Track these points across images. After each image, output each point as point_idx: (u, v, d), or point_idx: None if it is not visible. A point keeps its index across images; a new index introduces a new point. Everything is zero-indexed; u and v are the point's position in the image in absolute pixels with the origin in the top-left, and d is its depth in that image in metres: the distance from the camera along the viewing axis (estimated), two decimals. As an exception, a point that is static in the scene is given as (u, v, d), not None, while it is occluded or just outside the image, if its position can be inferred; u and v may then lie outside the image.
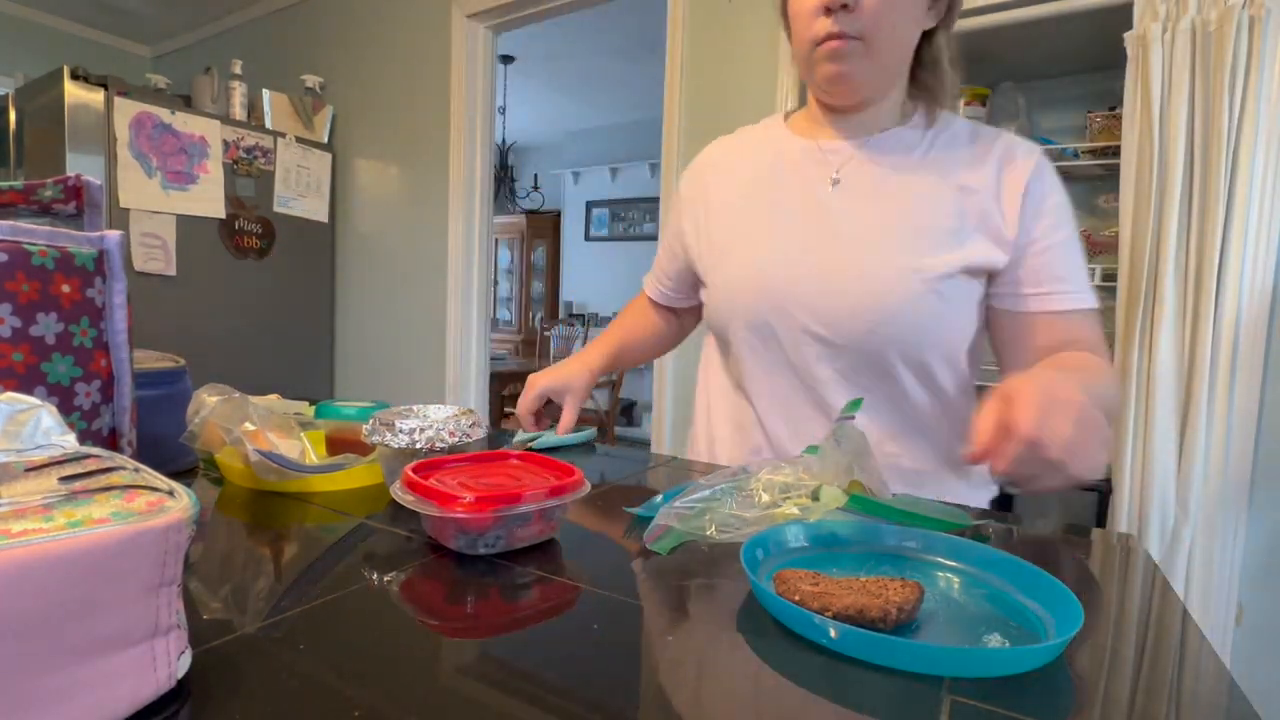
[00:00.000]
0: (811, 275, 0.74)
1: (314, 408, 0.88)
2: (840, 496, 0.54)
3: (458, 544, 0.46)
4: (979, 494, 0.79)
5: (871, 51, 0.69)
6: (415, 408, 0.62)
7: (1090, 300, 0.73)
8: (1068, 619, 0.36)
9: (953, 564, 0.46)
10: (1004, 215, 0.71)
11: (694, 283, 0.90)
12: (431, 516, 0.46)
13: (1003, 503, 0.82)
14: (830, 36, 0.68)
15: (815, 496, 0.55)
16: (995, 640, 0.36)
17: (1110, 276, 1.62)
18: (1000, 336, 0.76)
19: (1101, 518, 1.49)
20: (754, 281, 0.77)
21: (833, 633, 0.35)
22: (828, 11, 0.67)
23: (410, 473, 0.48)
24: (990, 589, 0.43)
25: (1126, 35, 1.39)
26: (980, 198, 0.72)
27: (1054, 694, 0.32)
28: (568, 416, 0.84)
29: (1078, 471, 0.49)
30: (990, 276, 0.73)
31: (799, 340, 0.75)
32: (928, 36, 0.74)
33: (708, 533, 0.50)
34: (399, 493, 0.47)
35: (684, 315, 1.02)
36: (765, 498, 0.54)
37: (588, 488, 0.51)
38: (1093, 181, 1.88)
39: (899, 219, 0.73)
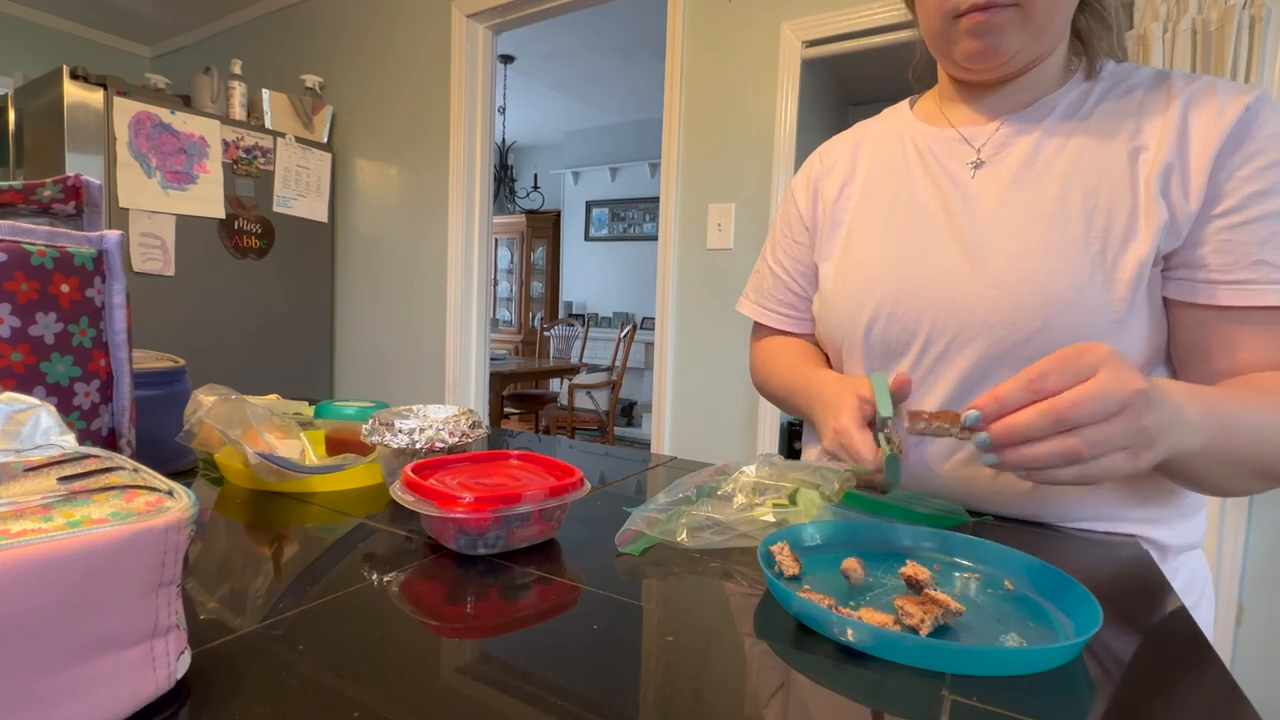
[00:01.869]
0: (948, 274, 0.62)
1: (314, 408, 0.88)
2: (817, 500, 0.54)
3: (458, 544, 0.46)
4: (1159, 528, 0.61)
5: (1028, 14, 0.56)
6: (415, 408, 0.62)
7: None
8: (1087, 620, 0.36)
9: (968, 564, 0.46)
10: (1190, 177, 0.55)
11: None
12: (431, 517, 0.46)
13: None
14: (976, 8, 0.57)
15: (792, 500, 0.55)
16: (1013, 640, 0.36)
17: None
18: (1179, 340, 0.58)
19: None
20: (873, 285, 0.66)
21: (850, 634, 0.35)
22: None
23: (410, 473, 0.48)
24: (1005, 589, 0.43)
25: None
26: (1158, 156, 0.56)
27: (1053, 694, 0.32)
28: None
29: (1090, 475, 0.42)
30: (1169, 257, 0.57)
31: (934, 349, 0.63)
32: None
33: (679, 538, 0.50)
34: (399, 493, 0.47)
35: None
36: (741, 500, 0.54)
37: (588, 488, 0.51)
38: (1093, 181, 1.88)
39: (1060, 198, 0.58)
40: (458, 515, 0.44)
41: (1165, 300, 0.58)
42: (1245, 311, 0.54)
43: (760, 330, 0.87)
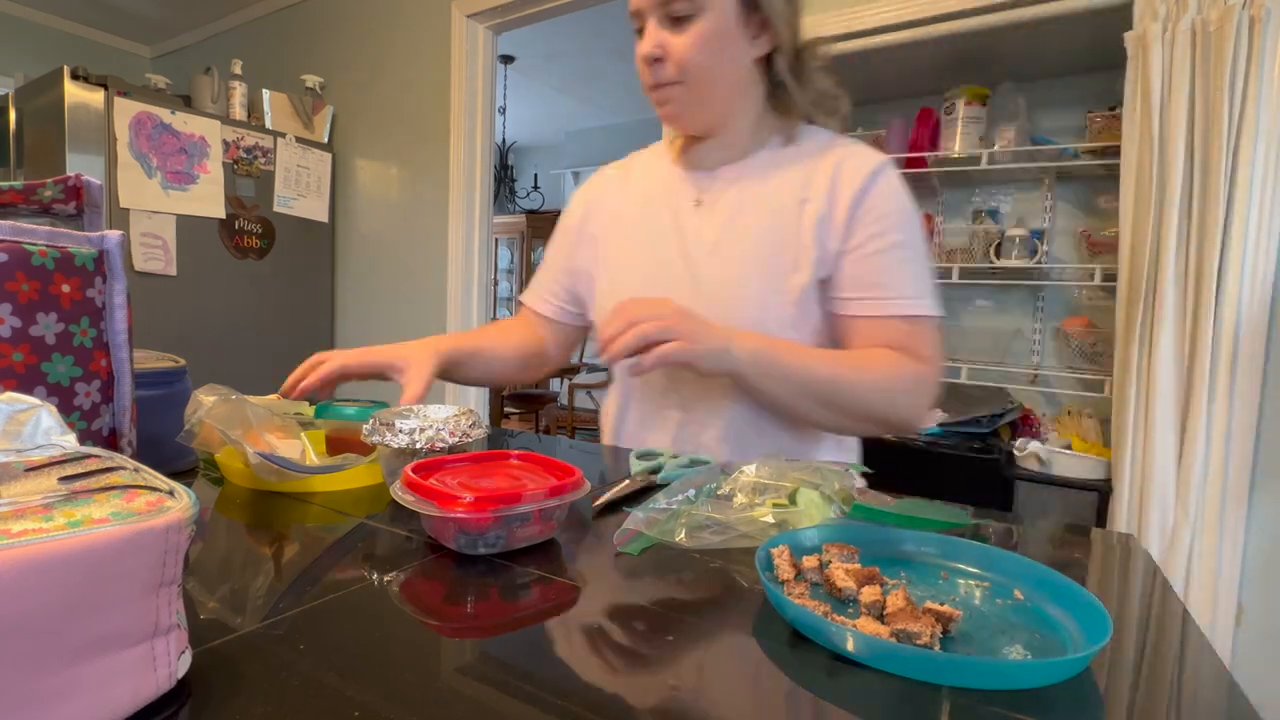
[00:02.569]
0: (670, 292, 0.78)
1: (314, 408, 0.88)
2: (817, 500, 0.54)
3: (458, 544, 0.46)
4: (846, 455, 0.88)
5: (691, 91, 0.76)
6: (416, 408, 0.62)
7: (920, 308, 0.76)
8: (1095, 630, 0.35)
9: (974, 570, 0.45)
10: (833, 222, 0.76)
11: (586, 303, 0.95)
12: (432, 517, 0.46)
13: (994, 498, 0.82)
14: (653, 86, 0.77)
15: (792, 499, 0.55)
16: (1017, 652, 0.35)
17: (1110, 277, 1.62)
18: (836, 339, 0.80)
19: (1101, 518, 1.49)
20: (625, 289, 0.85)
21: (850, 644, 0.34)
22: (644, 64, 0.76)
23: (410, 473, 0.48)
24: (1012, 597, 0.42)
25: (1126, 35, 1.39)
26: (815, 207, 0.77)
27: (1053, 694, 0.32)
28: (415, 387, 0.77)
29: (679, 340, 0.64)
30: (825, 282, 0.79)
31: None
32: (770, 60, 0.79)
33: (678, 538, 0.50)
34: (399, 493, 0.47)
35: (555, 344, 1.00)
36: (741, 499, 0.54)
37: (588, 487, 0.51)
38: (1093, 181, 1.88)
39: (754, 237, 0.79)
40: (458, 515, 0.44)
41: (827, 312, 0.79)
42: (863, 319, 0.77)
43: (522, 313, 1.02)
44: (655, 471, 0.65)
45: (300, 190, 2.77)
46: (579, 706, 0.30)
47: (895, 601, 0.37)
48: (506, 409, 4.92)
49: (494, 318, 5.99)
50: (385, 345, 0.83)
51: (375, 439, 0.57)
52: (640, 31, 0.76)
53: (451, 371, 0.87)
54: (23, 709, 0.23)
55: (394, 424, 0.57)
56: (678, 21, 0.73)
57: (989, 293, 2.05)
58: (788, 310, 0.77)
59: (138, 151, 2.27)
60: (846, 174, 0.77)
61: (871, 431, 0.78)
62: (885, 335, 0.76)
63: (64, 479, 0.29)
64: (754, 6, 0.74)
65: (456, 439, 0.58)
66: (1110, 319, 1.70)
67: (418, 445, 0.56)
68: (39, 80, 2.24)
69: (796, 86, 0.80)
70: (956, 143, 1.84)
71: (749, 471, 0.57)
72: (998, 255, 1.82)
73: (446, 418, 0.60)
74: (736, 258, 0.79)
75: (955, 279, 1.86)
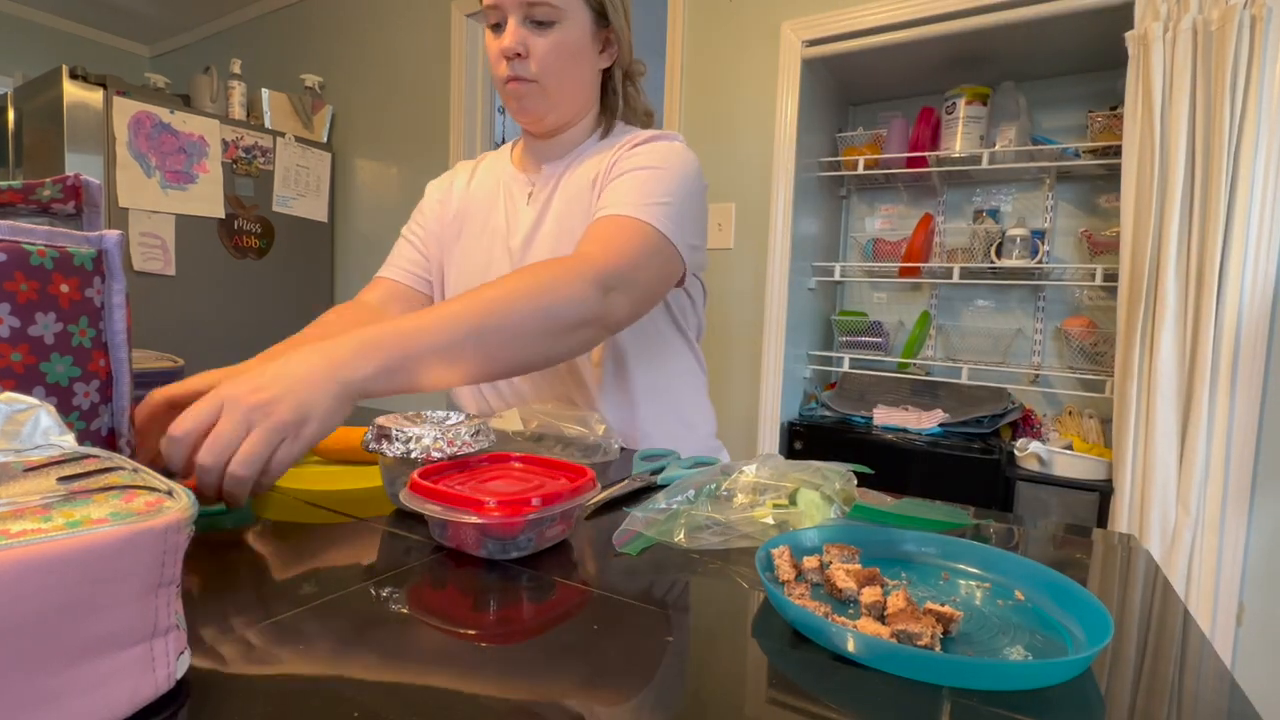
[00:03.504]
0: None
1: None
2: (817, 500, 0.54)
3: (487, 550, 0.45)
4: (701, 439, 0.96)
5: (546, 91, 0.83)
6: (424, 414, 0.61)
7: (624, 211, 0.76)
8: (1096, 630, 0.34)
9: (975, 570, 0.45)
10: (607, 177, 0.83)
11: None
12: (450, 523, 0.45)
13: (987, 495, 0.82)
14: (510, 79, 0.82)
15: (792, 500, 0.55)
16: (1017, 653, 0.35)
17: (1111, 277, 1.62)
18: None
19: (1102, 518, 1.49)
20: (464, 285, 0.91)
21: (850, 644, 0.34)
22: (505, 57, 0.81)
23: (420, 480, 0.47)
24: (1013, 598, 0.42)
25: (1127, 35, 1.39)
26: (600, 176, 0.84)
27: (1054, 694, 0.32)
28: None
29: (271, 471, 0.48)
30: None
31: None
32: (609, 72, 0.89)
33: (677, 538, 0.50)
34: (416, 503, 0.46)
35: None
36: (741, 499, 0.54)
37: (599, 487, 0.51)
38: (1094, 181, 1.88)
39: (559, 222, 0.87)
40: (494, 520, 0.43)
41: None
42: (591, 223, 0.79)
43: (376, 285, 1.00)
44: (657, 472, 0.65)
45: (299, 190, 2.77)
46: (579, 706, 0.30)
47: (896, 602, 0.37)
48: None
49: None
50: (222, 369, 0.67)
51: (373, 448, 0.57)
52: (498, 26, 0.82)
53: None
54: (22, 709, 0.23)
55: (391, 433, 0.56)
56: (539, 25, 0.80)
57: (989, 293, 2.05)
58: None
59: (137, 151, 2.26)
60: (624, 140, 0.86)
61: (564, 348, 0.69)
62: (596, 233, 0.75)
63: (63, 479, 0.29)
64: (604, 23, 0.84)
65: (455, 449, 0.57)
66: (1111, 319, 1.70)
67: (413, 455, 0.55)
68: (38, 80, 2.24)
69: (625, 99, 0.92)
70: (957, 142, 1.84)
71: (749, 472, 0.57)
72: (998, 255, 1.82)
73: (448, 425, 0.58)
74: (550, 246, 0.86)
75: (956, 279, 1.86)
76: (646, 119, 0.95)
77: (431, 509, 0.45)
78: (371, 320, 0.83)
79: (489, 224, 0.93)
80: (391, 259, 1.00)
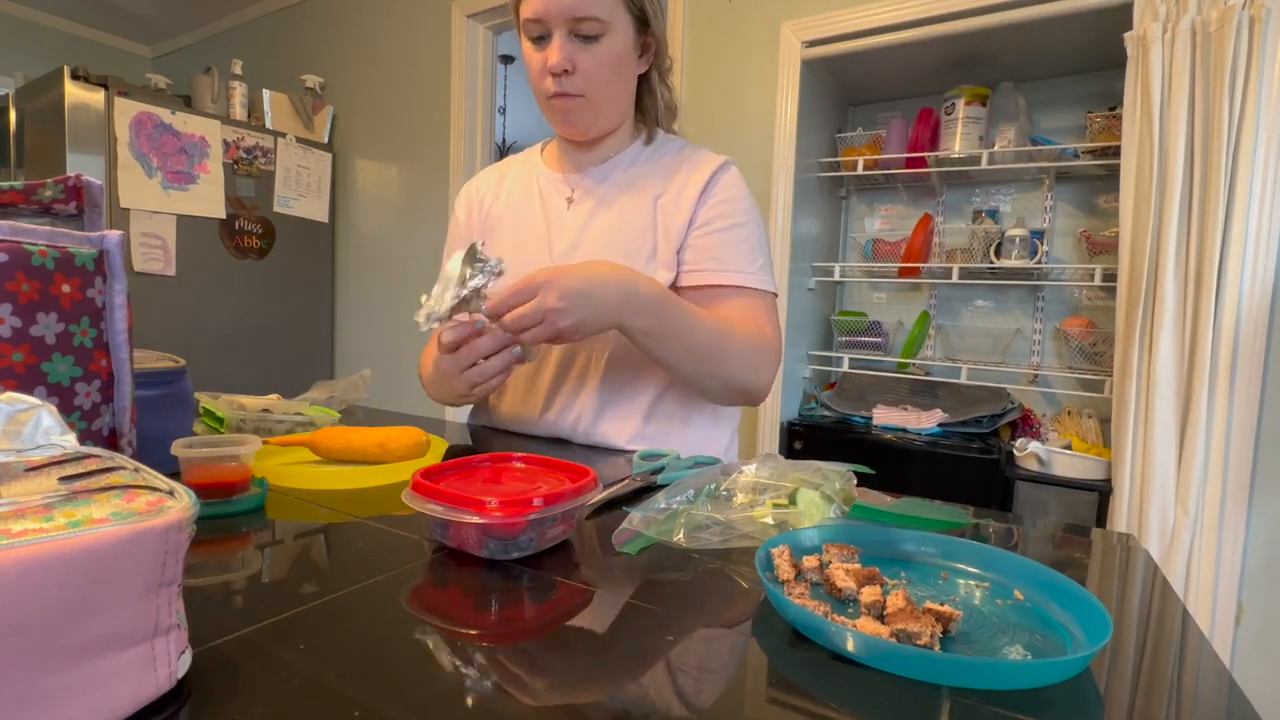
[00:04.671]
0: None
1: (312, 407, 0.88)
2: (817, 500, 0.54)
3: (488, 550, 0.45)
4: (721, 431, 0.95)
5: (593, 104, 0.83)
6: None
7: (750, 281, 0.84)
8: (1095, 630, 0.35)
9: (974, 570, 0.45)
10: (681, 210, 0.85)
11: None
12: (452, 523, 0.45)
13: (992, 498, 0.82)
14: (557, 95, 0.81)
15: (792, 499, 0.55)
16: (1017, 652, 0.35)
17: (1110, 277, 1.62)
18: None
19: (1102, 517, 1.49)
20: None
21: (850, 644, 0.34)
22: (552, 74, 0.80)
23: (422, 479, 0.47)
24: (1012, 597, 0.42)
25: (1126, 35, 1.39)
26: (667, 201, 0.86)
27: (1053, 694, 0.32)
28: None
29: (559, 321, 0.65)
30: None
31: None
32: (644, 75, 0.89)
33: (677, 538, 0.50)
34: (417, 503, 0.46)
35: None
36: (741, 499, 0.54)
37: (601, 487, 0.52)
38: (1093, 181, 1.88)
39: (611, 231, 0.87)
40: (496, 520, 0.43)
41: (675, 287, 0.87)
42: (697, 288, 0.84)
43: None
44: (657, 472, 0.65)
45: (300, 190, 2.77)
46: (579, 706, 0.30)
47: (895, 601, 0.37)
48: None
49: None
50: None
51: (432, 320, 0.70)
52: (541, 40, 0.80)
53: None
54: (23, 709, 0.23)
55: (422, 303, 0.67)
56: (585, 39, 0.79)
57: (989, 293, 2.05)
58: None
59: (138, 151, 2.27)
60: (696, 170, 0.87)
61: (728, 397, 0.84)
62: (723, 303, 0.83)
63: (64, 479, 0.29)
64: (644, 28, 0.83)
65: (483, 280, 0.68)
66: (1110, 319, 1.70)
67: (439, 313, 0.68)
68: (39, 80, 2.24)
69: (659, 97, 0.92)
70: (956, 143, 1.84)
71: (749, 471, 0.57)
72: (998, 255, 1.82)
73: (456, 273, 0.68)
74: (598, 252, 0.86)
75: (955, 279, 1.86)
76: (674, 111, 0.95)
77: (433, 509, 0.45)
78: None
79: (528, 228, 0.92)
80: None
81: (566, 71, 0.79)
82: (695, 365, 0.77)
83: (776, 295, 0.87)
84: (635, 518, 0.51)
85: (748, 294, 0.84)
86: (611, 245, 0.86)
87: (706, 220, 0.85)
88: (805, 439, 1.87)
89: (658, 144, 0.92)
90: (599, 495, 0.49)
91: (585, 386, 0.89)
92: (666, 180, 0.88)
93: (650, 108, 0.92)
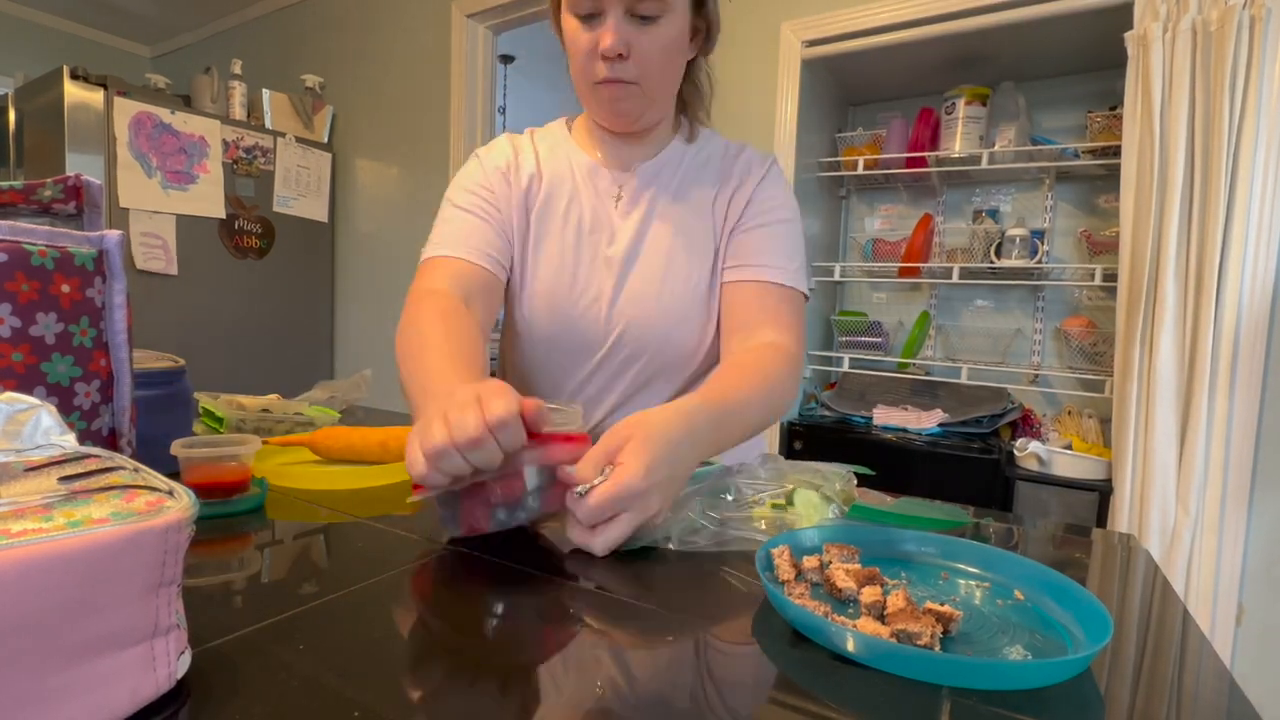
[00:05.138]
0: (598, 296, 0.81)
1: (312, 408, 0.88)
2: (816, 500, 0.54)
3: (496, 520, 0.47)
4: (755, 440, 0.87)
5: (646, 93, 0.76)
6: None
7: (785, 279, 0.80)
8: (1096, 630, 0.34)
9: (974, 570, 0.45)
10: (734, 214, 0.83)
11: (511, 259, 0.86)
12: (464, 499, 0.47)
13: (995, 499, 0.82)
14: (608, 81, 0.73)
15: (790, 500, 0.55)
16: (1017, 652, 0.35)
17: (1110, 277, 1.62)
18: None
19: (1102, 518, 1.49)
20: (558, 291, 0.82)
21: (850, 644, 0.34)
22: (604, 58, 0.72)
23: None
24: (1013, 597, 0.42)
25: (1127, 35, 1.39)
26: (720, 205, 0.83)
27: (1053, 694, 0.32)
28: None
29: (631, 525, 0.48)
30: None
31: (593, 349, 0.83)
32: (691, 62, 0.81)
33: (676, 538, 0.50)
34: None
35: (489, 308, 0.84)
36: (740, 500, 0.54)
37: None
38: (1093, 181, 1.88)
39: (673, 240, 0.82)
40: (560, 448, 0.47)
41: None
42: (734, 284, 0.81)
43: (444, 268, 0.84)
44: None
45: (300, 190, 2.77)
46: (579, 706, 0.30)
47: (895, 602, 0.37)
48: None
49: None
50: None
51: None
52: (591, 18, 0.71)
53: None
54: (23, 709, 0.23)
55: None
56: (642, 20, 0.70)
57: (989, 293, 2.05)
58: (704, 307, 0.82)
59: (137, 151, 2.26)
60: (749, 169, 0.84)
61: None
62: (757, 299, 0.79)
63: (64, 479, 0.29)
64: (700, 12, 0.76)
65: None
66: (1110, 319, 1.70)
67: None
68: (39, 80, 2.24)
69: (701, 87, 0.85)
70: (957, 142, 1.84)
71: (749, 472, 0.57)
72: (998, 255, 1.82)
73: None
74: (660, 267, 0.81)
75: (955, 279, 1.86)
76: (709, 101, 0.89)
77: (531, 447, 0.46)
78: (477, 330, 0.77)
79: (578, 226, 0.83)
80: (459, 235, 0.82)
81: (621, 55, 0.71)
82: (752, 434, 0.71)
83: (808, 298, 0.84)
84: None
85: (781, 293, 0.80)
86: (675, 257, 0.81)
87: (749, 219, 0.83)
88: (805, 439, 1.87)
89: (701, 142, 0.87)
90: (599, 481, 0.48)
91: (612, 413, 0.86)
92: (718, 185, 0.84)
93: (690, 98, 0.85)
